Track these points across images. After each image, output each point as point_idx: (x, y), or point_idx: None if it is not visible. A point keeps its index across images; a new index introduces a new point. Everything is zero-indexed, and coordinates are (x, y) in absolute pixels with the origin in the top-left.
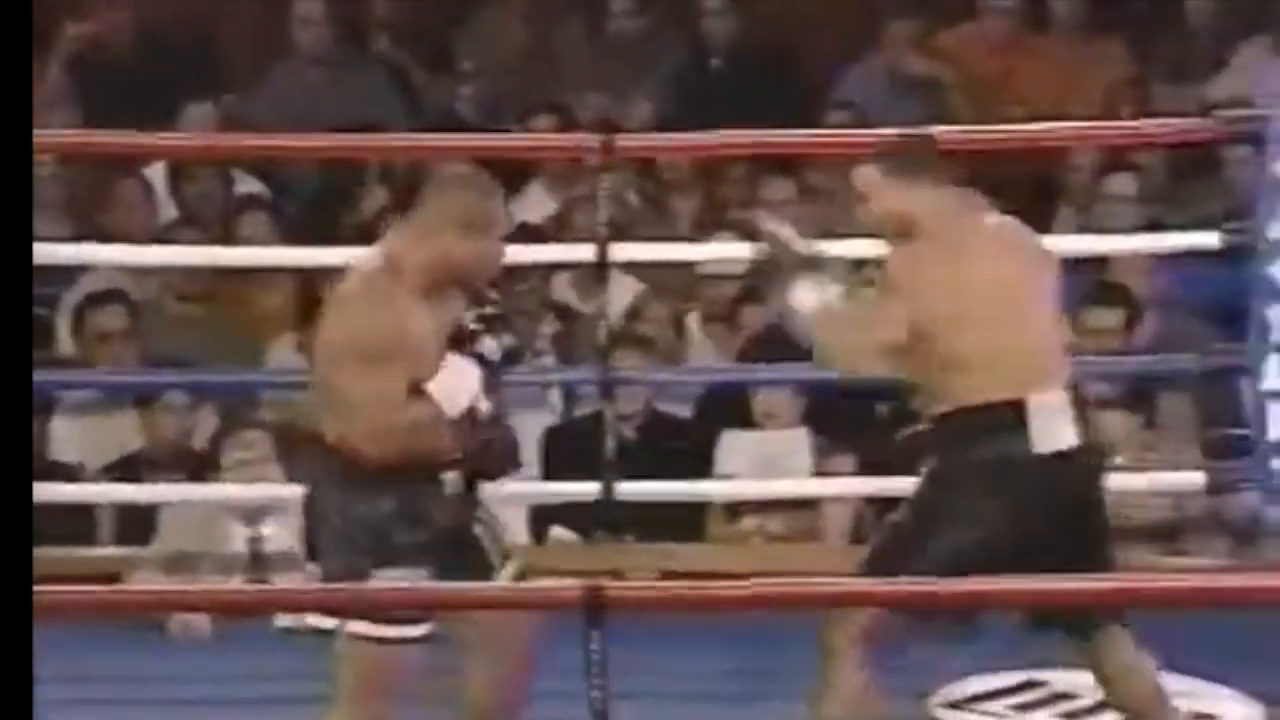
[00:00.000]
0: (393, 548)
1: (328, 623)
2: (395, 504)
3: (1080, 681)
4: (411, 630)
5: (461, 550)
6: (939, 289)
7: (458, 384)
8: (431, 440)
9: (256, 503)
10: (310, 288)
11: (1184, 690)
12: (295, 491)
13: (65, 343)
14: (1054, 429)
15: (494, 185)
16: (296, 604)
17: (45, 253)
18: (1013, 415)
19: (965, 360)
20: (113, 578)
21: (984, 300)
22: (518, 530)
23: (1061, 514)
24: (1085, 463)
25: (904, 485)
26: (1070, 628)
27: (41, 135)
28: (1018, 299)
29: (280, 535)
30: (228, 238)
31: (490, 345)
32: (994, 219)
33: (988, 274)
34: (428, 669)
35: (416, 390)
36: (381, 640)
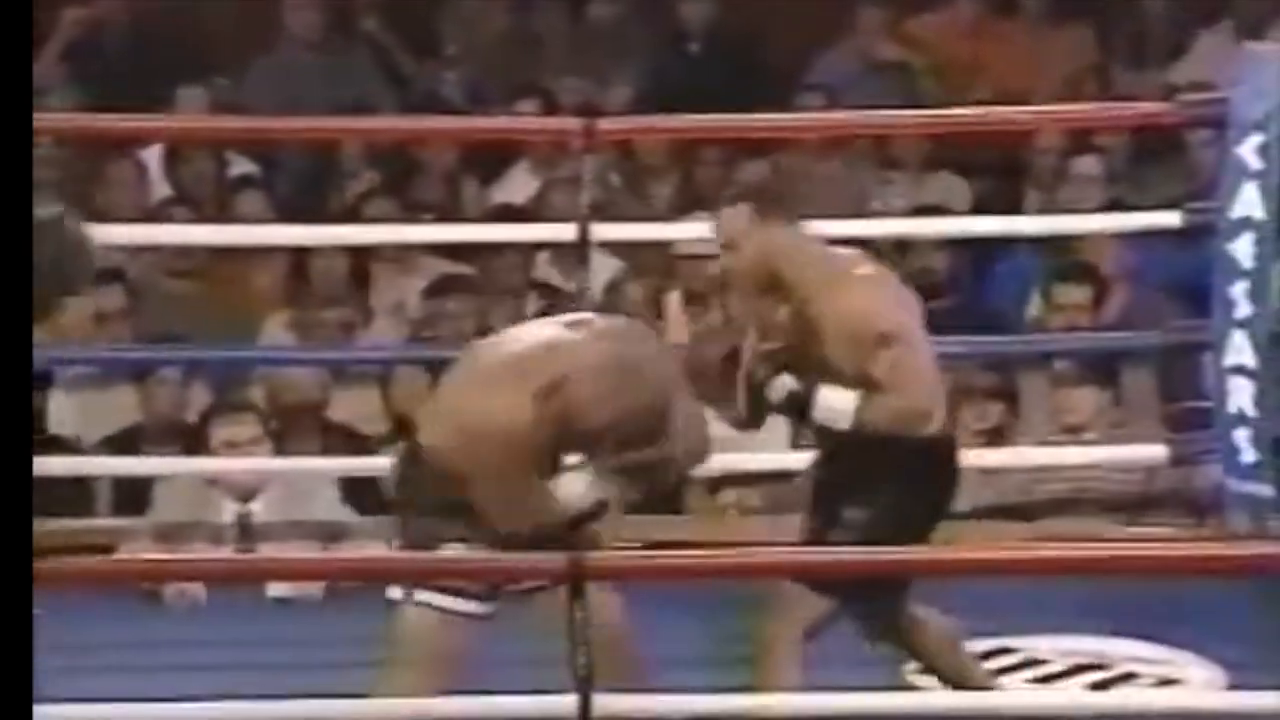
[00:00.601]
0: None
1: (394, 592)
2: None
3: (1050, 647)
4: (475, 607)
5: None
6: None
7: None
8: None
9: (248, 478)
10: (301, 266)
11: (1150, 656)
12: (286, 466)
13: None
14: None
15: None
16: (287, 573)
17: None
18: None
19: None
20: (108, 548)
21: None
22: None
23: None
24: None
25: None
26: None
27: (38, 118)
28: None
29: (269, 510)
30: (222, 217)
31: None
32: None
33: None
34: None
35: None
36: (445, 612)
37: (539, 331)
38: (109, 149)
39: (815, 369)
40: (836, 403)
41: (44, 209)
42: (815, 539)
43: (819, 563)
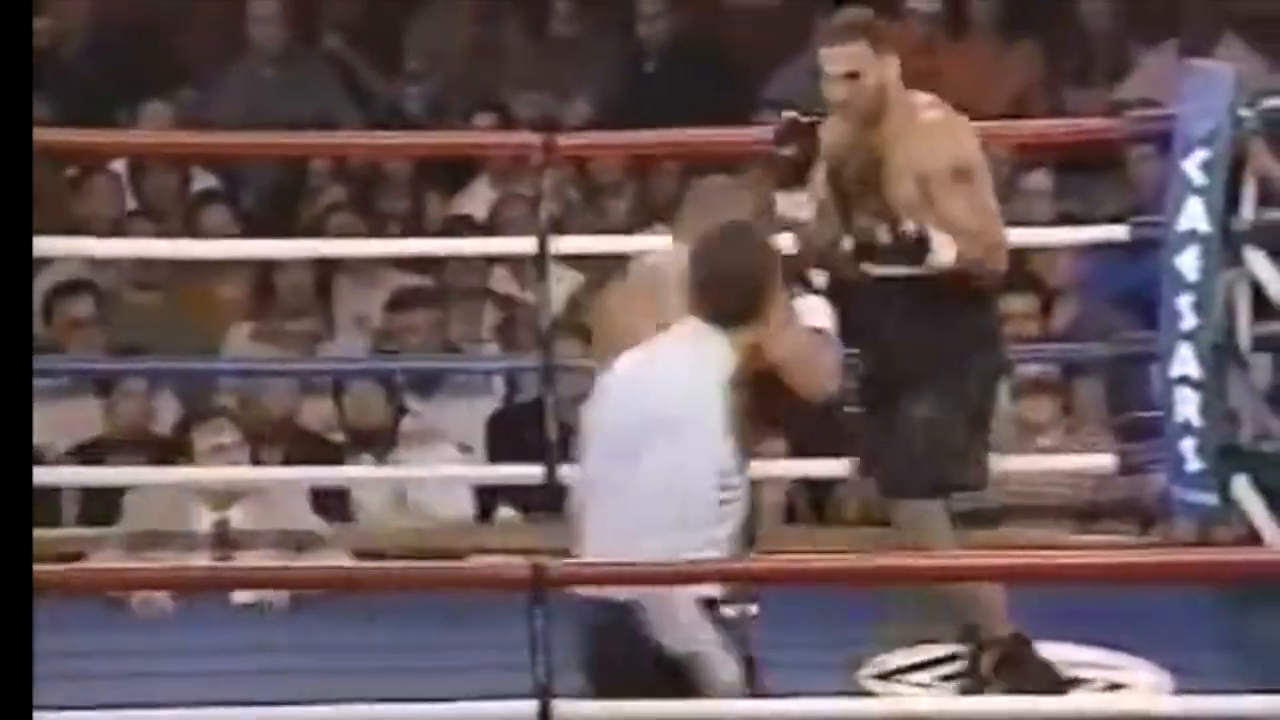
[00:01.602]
0: None
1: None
2: None
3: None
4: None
5: None
6: None
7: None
8: None
9: (225, 486)
10: (266, 279)
11: (1099, 661)
12: (264, 475)
13: (35, 329)
14: None
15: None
16: (251, 582)
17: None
18: None
19: None
20: (76, 557)
21: None
22: (463, 510)
23: None
24: None
25: (831, 468)
26: None
27: None
28: None
29: (247, 518)
30: (187, 230)
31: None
32: None
33: None
34: None
35: None
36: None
37: None
38: (77, 163)
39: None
40: (939, 243)
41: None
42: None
43: (777, 570)
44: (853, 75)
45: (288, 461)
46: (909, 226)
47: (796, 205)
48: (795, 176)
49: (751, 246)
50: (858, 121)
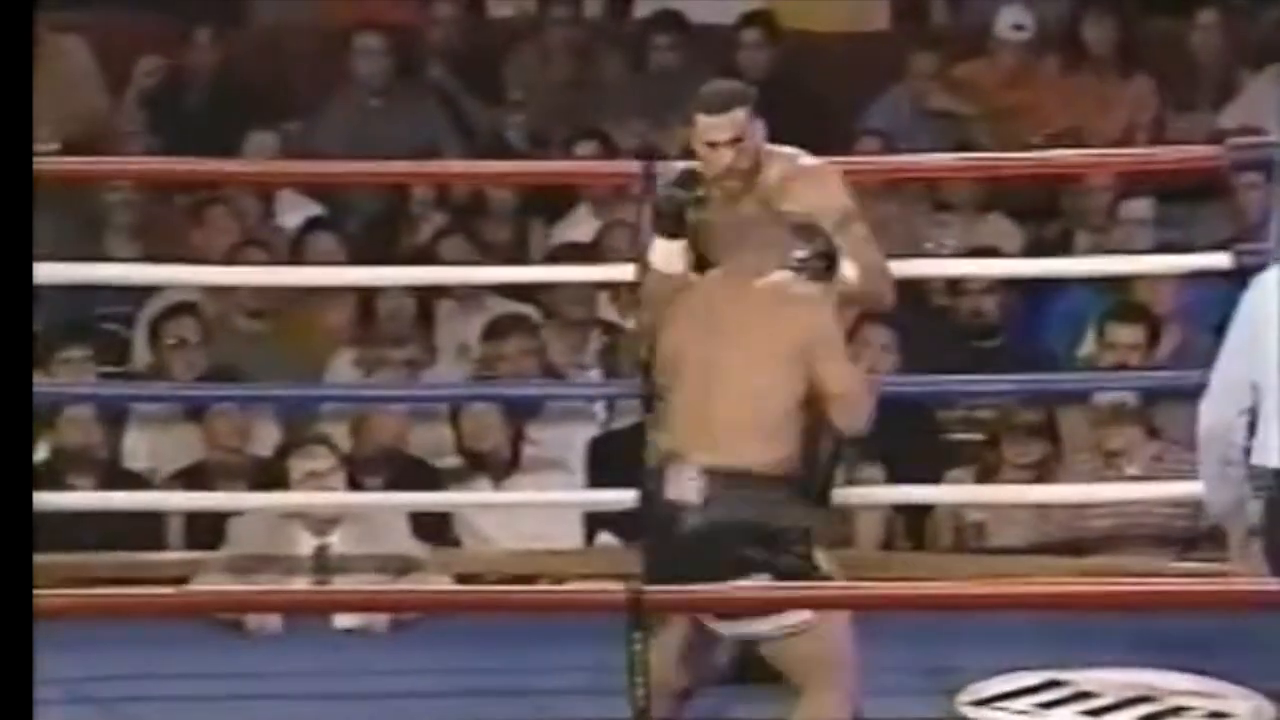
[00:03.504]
0: None
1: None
2: None
3: (1102, 680)
4: None
5: None
6: None
7: None
8: None
9: (325, 511)
10: (369, 306)
11: (1200, 689)
12: (361, 500)
13: (142, 356)
14: None
15: None
16: (351, 604)
17: (118, 274)
18: None
19: None
20: (181, 580)
21: None
22: (571, 535)
23: None
24: None
25: (929, 494)
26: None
27: (123, 163)
28: None
29: (348, 542)
30: (294, 259)
31: None
32: None
33: None
34: None
35: None
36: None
37: None
38: (195, 193)
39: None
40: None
41: None
42: None
43: (876, 597)
44: (737, 140)
45: (390, 487)
46: (820, 243)
47: (669, 255)
48: (677, 225)
49: None
50: (738, 183)
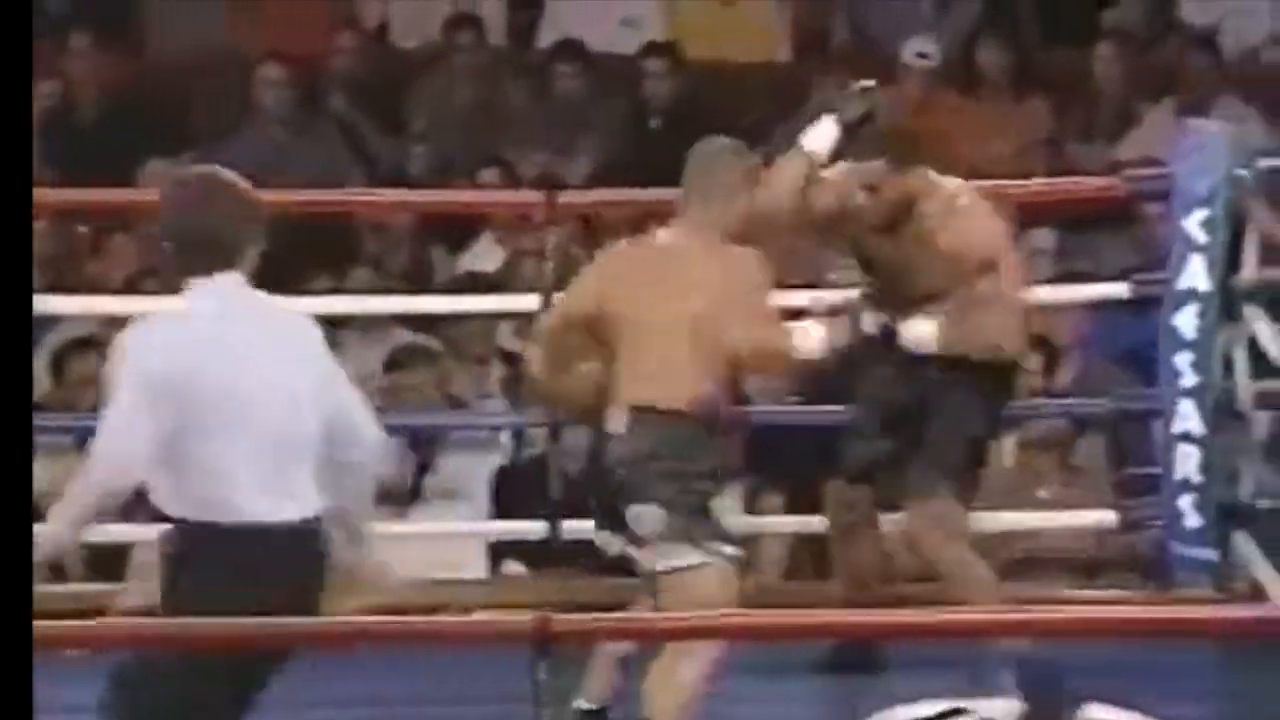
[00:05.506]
0: None
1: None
2: None
3: (1003, 708)
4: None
5: None
6: None
7: None
8: None
9: None
10: None
11: (1107, 718)
12: None
13: (42, 384)
14: None
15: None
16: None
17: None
18: None
19: None
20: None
21: None
22: (475, 565)
23: None
24: None
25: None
26: None
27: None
28: None
29: None
30: None
31: None
32: None
33: None
34: None
35: None
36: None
37: None
38: (93, 223)
39: (905, 302)
40: (922, 330)
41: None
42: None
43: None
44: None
45: None
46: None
47: (825, 137)
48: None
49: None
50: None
